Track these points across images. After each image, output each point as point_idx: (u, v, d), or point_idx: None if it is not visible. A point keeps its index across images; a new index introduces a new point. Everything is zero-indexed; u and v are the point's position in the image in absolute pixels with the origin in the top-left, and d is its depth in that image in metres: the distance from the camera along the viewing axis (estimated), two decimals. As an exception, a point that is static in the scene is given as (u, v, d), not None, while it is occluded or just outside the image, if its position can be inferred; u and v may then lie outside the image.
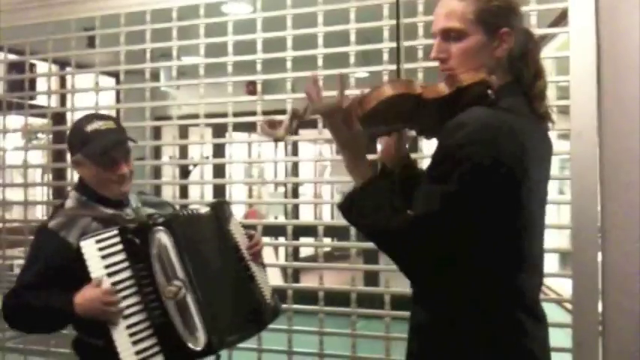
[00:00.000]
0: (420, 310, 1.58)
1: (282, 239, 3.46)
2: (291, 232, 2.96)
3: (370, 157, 1.59)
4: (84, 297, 1.88)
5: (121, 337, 1.86)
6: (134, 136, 3.13)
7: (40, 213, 5.07)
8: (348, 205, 1.52)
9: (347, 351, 2.81)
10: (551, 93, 2.96)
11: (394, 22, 2.70)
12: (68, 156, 4.18)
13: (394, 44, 2.70)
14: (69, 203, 2.12)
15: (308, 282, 3.50)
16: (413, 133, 1.87)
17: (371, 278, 4.53)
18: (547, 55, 2.90)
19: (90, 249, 1.90)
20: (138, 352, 1.85)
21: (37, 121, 4.16)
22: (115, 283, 1.89)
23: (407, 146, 1.84)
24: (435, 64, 1.60)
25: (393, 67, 2.69)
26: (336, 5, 2.82)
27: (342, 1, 2.80)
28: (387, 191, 1.51)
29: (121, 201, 2.14)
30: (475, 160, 1.36)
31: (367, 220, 1.49)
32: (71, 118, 3.39)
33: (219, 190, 5.06)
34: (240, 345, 2.41)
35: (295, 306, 2.89)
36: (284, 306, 2.87)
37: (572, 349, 2.37)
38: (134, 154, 3.58)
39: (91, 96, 3.38)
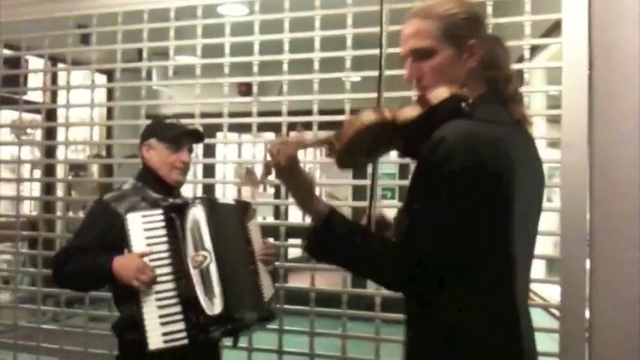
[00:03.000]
0: (414, 323, 1.57)
1: (270, 240, 3.48)
2: (283, 232, 2.99)
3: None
4: (123, 259, 2.12)
5: (148, 303, 2.07)
6: (127, 134, 3.16)
7: (27, 208, 5.06)
8: (316, 243, 1.53)
9: (337, 352, 2.83)
10: (542, 102, 3.03)
11: (391, 27, 2.74)
12: (58, 152, 4.21)
13: (390, 50, 2.74)
14: (126, 186, 2.41)
15: (296, 283, 3.52)
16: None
17: (358, 280, 4.55)
18: (539, 65, 2.96)
19: (135, 222, 2.16)
20: (162, 316, 2.06)
21: (26, 117, 4.15)
22: (152, 253, 2.12)
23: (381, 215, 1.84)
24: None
25: (388, 72, 2.72)
26: (333, 10, 2.85)
27: (339, 5, 2.83)
28: (349, 221, 1.53)
29: (173, 191, 2.40)
30: (460, 172, 1.36)
31: (345, 253, 1.49)
32: (65, 114, 3.39)
33: (208, 190, 5.06)
34: (231, 343, 2.43)
35: (286, 306, 2.91)
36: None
37: (558, 354, 2.41)
38: (127, 151, 3.59)
39: (83, 93, 3.38)
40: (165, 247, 2.14)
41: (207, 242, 2.15)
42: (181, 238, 2.14)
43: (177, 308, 2.08)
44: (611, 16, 2.36)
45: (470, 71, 1.53)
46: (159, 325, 2.05)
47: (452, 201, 1.37)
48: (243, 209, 2.38)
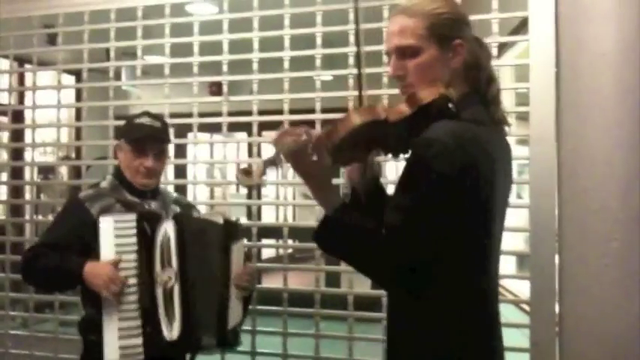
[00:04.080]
0: (396, 320, 1.59)
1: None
2: (256, 233, 2.97)
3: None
4: (96, 267, 2.06)
5: (110, 313, 2.03)
6: (97, 135, 3.11)
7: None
8: (324, 234, 1.52)
9: (310, 351, 2.82)
10: (510, 100, 3.05)
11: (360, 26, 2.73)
12: (26, 155, 4.14)
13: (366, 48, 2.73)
14: (104, 184, 2.35)
15: (269, 284, 3.50)
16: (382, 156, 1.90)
17: (332, 280, 4.54)
18: (507, 63, 2.98)
19: (107, 225, 2.11)
20: (121, 329, 2.03)
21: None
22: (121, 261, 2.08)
23: (379, 168, 1.85)
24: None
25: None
26: (303, 8, 2.85)
27: (308, 4, 2.83)
28: (358, 216, 1.52)
29: (148, 193, 2.33)
30: (445, 172, 1.37)
31: (345, 247, 1.51)
32: (31, 116, 3.34)
33: (180, 191, 5.02)
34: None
35: (259, 307, 2.89)
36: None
37: (529, 349, 2.43)
38: (96, 153, 3.54)
39: (51, 94, 3.32)
40: (133, 256, 2.10)
41: (174, 261, 2.12)
42: (151, 250, 2.11)
43: (138, 322, 2.06)
44: (578, 12, 2.38)
45: (454, 71, 1.54)
46: (117, 339, 2.03)
47: (434, 197, 1.39)
48: (229, 229, 2.28)
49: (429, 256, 1.41)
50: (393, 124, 1.49)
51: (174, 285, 2.09)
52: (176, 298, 2.09)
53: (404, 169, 1.47)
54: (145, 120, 2.33)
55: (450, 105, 1.47)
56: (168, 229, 2.14)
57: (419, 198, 1.40)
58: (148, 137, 2.30)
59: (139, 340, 2.03)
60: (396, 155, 1.69)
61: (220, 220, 2.27)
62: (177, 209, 2.39)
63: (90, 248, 2.11)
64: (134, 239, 2.11)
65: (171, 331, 2.06)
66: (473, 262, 1.48)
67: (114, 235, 2.10)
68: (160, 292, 2.08)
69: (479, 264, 1.49)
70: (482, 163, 1.43)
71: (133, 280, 2.07)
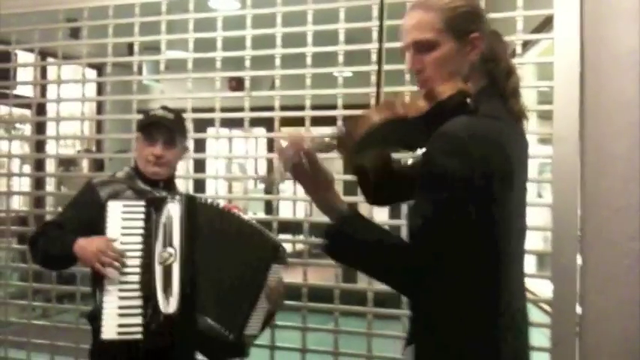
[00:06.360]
0: (413, 321, 1.58)
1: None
2: (275, 228, 2.98)
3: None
4: (86, 241, 2.09)
5: (111, 293, 2.05)
6: (118, 129, 3.11)
7: (17, 204, 5.02)
8: (335, 244, 1.50)
9: (329, 347, 2.84)
10: (533, 98, 3.04)
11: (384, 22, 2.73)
12: (47, 147, 4.18)
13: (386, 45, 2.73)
14: (119, 173, 2.40)
15: (288, 279, 3.50)
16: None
17: (349, 275, 4.55)
18: (531, 60, 2.97)
19: (115, 209, 2.14)
20: (121, 307, 2.05)
21: (15, 111, 4.12)
22: (123, 244, 2.10)
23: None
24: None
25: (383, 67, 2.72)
26: (326, 4, 2.85)
27: (331, 0, 2.83)
28: (367, 220, 1.52)
29: (160, 183, 2.35)
30: (467, 169, 1.36)
31: (361, 256, 1.48)
32: (55, 109, 3.37)
33: (199, 185, 5.04)
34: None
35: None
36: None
37: (550, 348, 2.42)
38: (118, 146, 3.57)
39: (74, 87, 3.35)
40: (138, 239, 2.12)
41: (176, 241, 2.12)
42: (154, 233, 2.12)
43: (138, 302, 2.05)
44: (602, 11, 2.37)
45: (471, 65, 1.53)
46: (116, 317, 2.03)
47: (459, 198, 1.36)
48: (276, 252, 2.28)
49: (449, 261, 1.37)
50: (411, 121, 1.47)
51: (173, 263, 2.08)
52: (175, 275, 2.07)
53: (422, 166, 1.45)
54: (159, 111, 2.37)
55: (469, 100, 1.46)
56: (172, 209, 2.15)
57: (436, 196, 1.38)
58: (156, 124, 2.33)
59: (138, 320, 2.03)
60: (413, 150, 1.68)
61: (258, 229, 2.28)
62: None
63: (97, 231, 2.12)
64: (140, 223, 2.14)
65: (168, 305, 2.04)
66: (491, 263, 1.44)
67: (121, 218, 2.13)
68: (159, 269, 2.07)
69: (496, 265, 1.45)
70: (499, 160, 1.40)
71: (136, 262, 2.09)
